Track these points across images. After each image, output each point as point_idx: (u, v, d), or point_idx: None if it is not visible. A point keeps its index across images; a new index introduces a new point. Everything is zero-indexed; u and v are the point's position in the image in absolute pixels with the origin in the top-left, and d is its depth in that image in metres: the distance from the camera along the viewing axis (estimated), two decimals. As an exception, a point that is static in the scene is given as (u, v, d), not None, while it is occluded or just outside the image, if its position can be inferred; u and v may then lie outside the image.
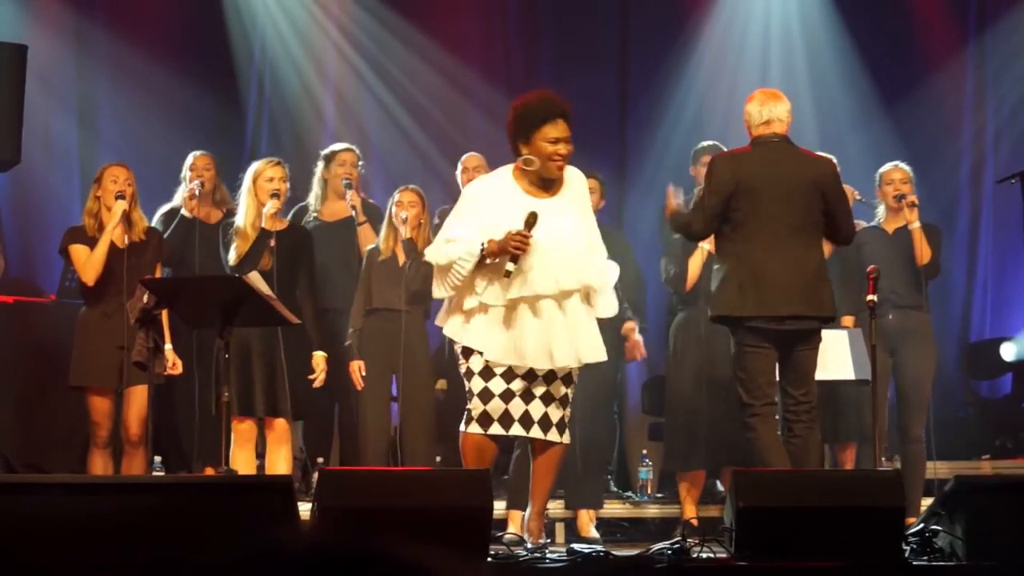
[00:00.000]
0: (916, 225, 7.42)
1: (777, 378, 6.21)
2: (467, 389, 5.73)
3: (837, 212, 6.20)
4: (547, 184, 5.76)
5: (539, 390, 5.70)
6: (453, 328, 5.77)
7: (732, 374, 6.30)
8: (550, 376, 5.71)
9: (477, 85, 9.89)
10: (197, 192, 7.61)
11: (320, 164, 7.92)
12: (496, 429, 5.67)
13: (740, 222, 6.08)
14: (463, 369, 5.73)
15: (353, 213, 7.73)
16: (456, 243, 5.63)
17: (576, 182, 5.86)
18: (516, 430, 5.69)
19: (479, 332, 5.66)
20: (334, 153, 7.91)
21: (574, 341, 5.68)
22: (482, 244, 5.59)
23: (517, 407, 5.66)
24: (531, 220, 5.59)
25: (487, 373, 5.65)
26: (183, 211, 7.58)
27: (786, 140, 6.22)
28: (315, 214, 7.87)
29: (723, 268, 6.14)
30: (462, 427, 5.73)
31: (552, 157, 5.68)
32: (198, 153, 7.85)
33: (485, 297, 5.65)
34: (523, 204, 5.67)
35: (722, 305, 6.12)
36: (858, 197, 7.70)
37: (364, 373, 7.30)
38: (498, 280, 5.60)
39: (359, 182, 7.93)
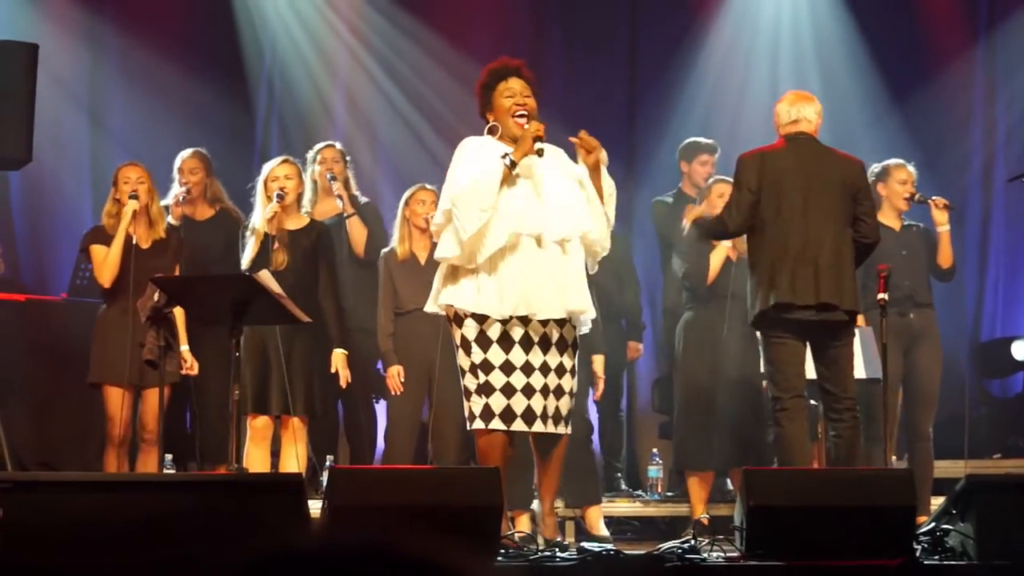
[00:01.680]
0: (946, 228, 7.39)
1: (805, 370, 6.20)
2: (482, 382, 5.58)
3: (864, 212, 6.22)
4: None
5: (553, 383, 5.66)
6: (461, 300, 5.62)
7: (763, 370, 6.30)
8: (560, 370, 5.67)
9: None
10: (181, 199, 7.60)
11: (308, 166, 7.94)
12: (519, 425, 5.58)
13: (769, 217, 6.10)
14: (478, 360, 5.58)
15: (340, 204, 7.73)
16: (476, 171, 5.58)
17: (558, 151, 5.84)
18: (537, 426, 5.61)
19: (484, 293, 5.56)
20: (316, 152, 7.94)
21: (563, 291, 5.61)
22: (502, 157, 5.56)
23: (538, 402, 5.60)
24: (535, 123, 5.63)
25: (508, 367, 5.57)
26: (169, 218, 7.54)
27: (813, 139, 6.26)
28: (306, 215, 7.88)
29: (756, 268, 6.16)
30: (480, 424, 5.59)
31: (512, 111, 5.72)
32: (186, 154, 7.78)
33: (486, 243, 5.55)
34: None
35: (758, 305, 6.13)
36: None
37: (403, 378, 7.29)
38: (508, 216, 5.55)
39: (347, 177, 7.91)
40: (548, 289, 5.58)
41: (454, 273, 5.67)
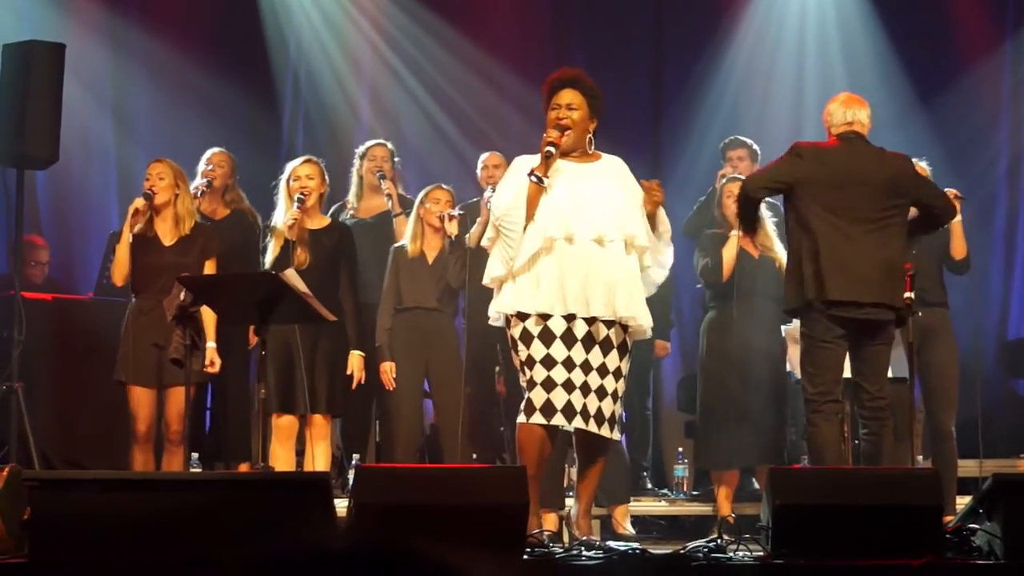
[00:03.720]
0: (958, 219, 7.37)
1: (844, 375, 6.20)
2: (528, 378, 5.64)
3: (925, 198, 6.27)
4: (583, 156, 5.81)
5: (595, 383, 5.67)
6: (501, 303, 5.73)
7: (801, 368, 6.28)
8: (603, 370, 5.67)
9: (511, 82, 9.89)
10: (200, 192, 7.60)
11: (356, 162, 7.98)
12: (559, 420, 5.60)
13: (819, 212, 6.11)
14: (524, 357, 5.64)
15: (389, 204, 7.76)
16: (511, 193, 5.70)
17: (615, 162, 5.90)
18: (578, 422, 5.63)
19: (521, 292, 5.65)
20: (367, 149, 7.98)
21: (611, 294, 5.64)
22: (529, 175, 5.63)
23: (578, 399, 5.62)
24: (552, 131, 5.71)
25: (549, 361, 5.59)
26: None
27: (865, 139, 6.28)
28: (352, 211, 7.92)
29: (797, 259, 6.17)
30: (522, 418, 5.64)
31: (555, 124, 5.75)
32: (215, 149, 7.83)
33: (526, 245, 5.64)
34: (561, 167, 5.72)
35: (802, 295, 6.12)
36: None
37: (395, 375, 7.31)
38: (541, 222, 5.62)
39: (395, 176, 7.96)
40: (588, 288, 5.61)
41: (500, 285, 5.78)
